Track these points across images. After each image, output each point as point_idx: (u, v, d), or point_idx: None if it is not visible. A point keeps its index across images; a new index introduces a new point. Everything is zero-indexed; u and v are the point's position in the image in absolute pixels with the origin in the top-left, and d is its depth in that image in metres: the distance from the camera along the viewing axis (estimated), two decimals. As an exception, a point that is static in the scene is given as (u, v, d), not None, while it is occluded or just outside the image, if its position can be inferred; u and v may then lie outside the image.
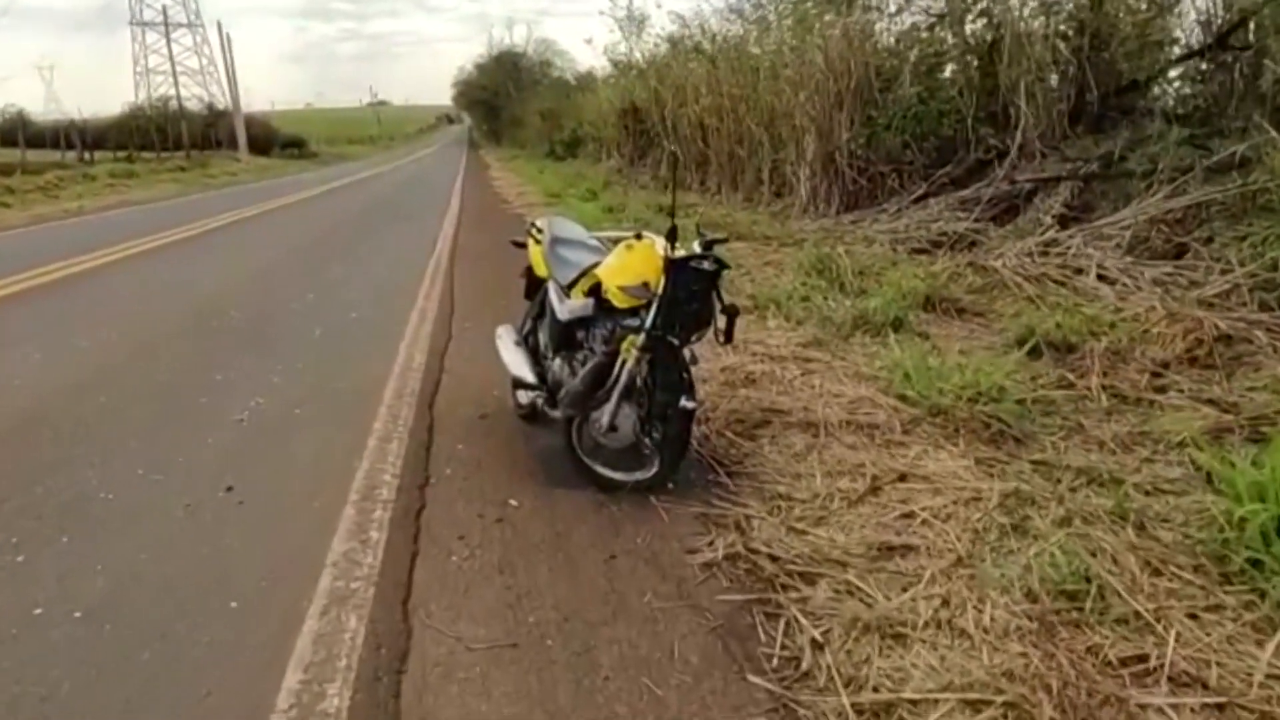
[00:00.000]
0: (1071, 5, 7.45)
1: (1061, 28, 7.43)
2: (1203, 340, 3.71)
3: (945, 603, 1.99)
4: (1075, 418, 3.16)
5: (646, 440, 2.66)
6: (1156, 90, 7.46)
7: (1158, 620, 1.88)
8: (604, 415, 2.66)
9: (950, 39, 8.60)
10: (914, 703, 1.68)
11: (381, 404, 3.62)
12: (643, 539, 2.43)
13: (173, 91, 50.10)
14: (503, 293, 5.33)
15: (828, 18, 9.10)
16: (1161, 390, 3.41)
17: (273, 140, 46.35)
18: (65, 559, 2.34)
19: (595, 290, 2.75)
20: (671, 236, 2.46)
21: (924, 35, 8.79)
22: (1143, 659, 1.76)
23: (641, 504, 2.62)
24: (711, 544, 2.37)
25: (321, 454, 3.10)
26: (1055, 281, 4.95)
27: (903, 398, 3.34)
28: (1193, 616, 1.91)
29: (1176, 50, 7.33)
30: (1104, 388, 3.42)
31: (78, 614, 2.06)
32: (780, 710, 1.70)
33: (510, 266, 4.10)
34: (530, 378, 3.03)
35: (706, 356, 3.69)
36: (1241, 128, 5.62)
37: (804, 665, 1.83)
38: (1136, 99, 7.28)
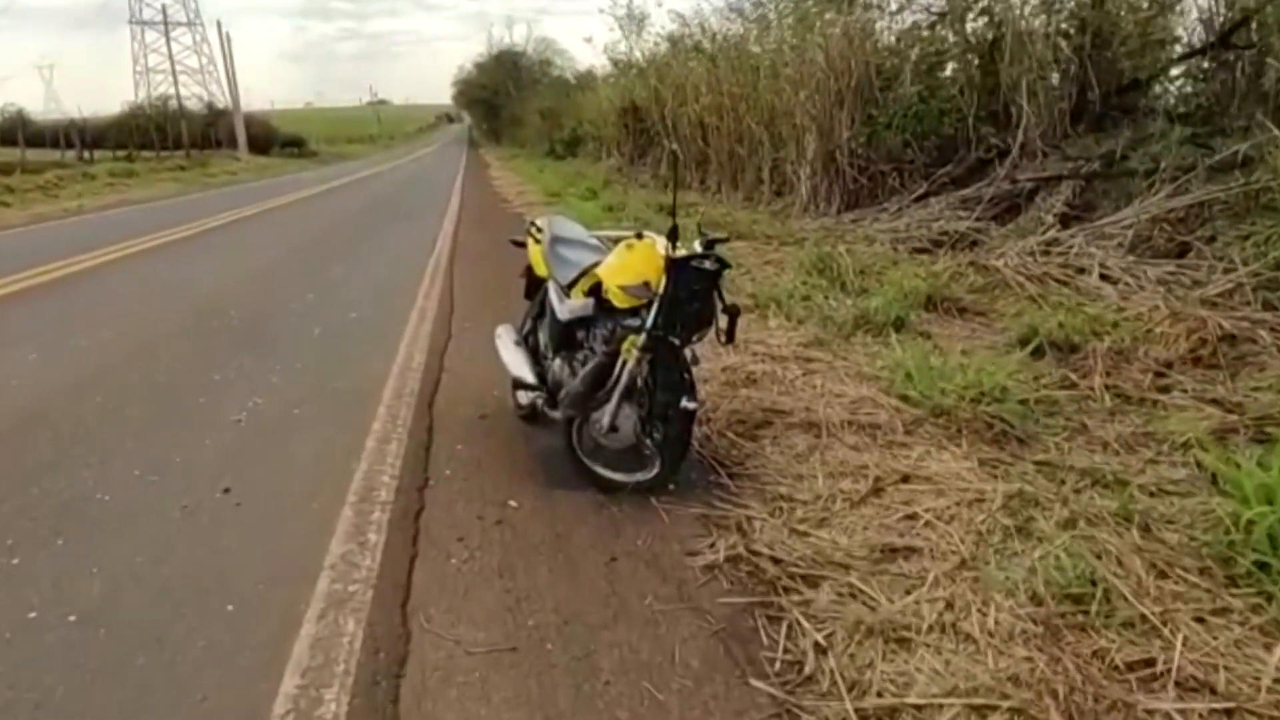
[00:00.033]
0: (1073, 3, 7.42)
1: (1063, 26, 7.40)
2: (1206, 340, 3.69)
3: (949, 606, 1.97)
4: (1079, 418, 3.14)
5: (647, 441, 2.64)
6: (1158, 89, 7.44)
7: (1164, 624, 1.86)
8: (604, 416, 2.64)
9: (951, 37, 8.57)
10: (919, 708, 1.66)
11: (380, 404, 3.60)
12: (643, 541, 2.41)
13: (172, 91, 50.23)
14: (502, 292, 5.31)
15: (828, 16, 9.06)
16: (1165, 390, 3.39)
17: (272, 139, 46.32)
18: (60, 561, 2.32)
19: (595, 290, 2.73)
20: (673, 236, 2.44)
21: (925, 34, 8.76)
22: (1150, 663, 1.74)
23: (642, 505, 2.60)
24: (713, 546, 2.35)
25: (320, 455, 3.08)
26: (1057, 281, 4.93)
27: (905, 398, 3.31)
28: (1199, 620, 1.89)
29: (1178, 49, 7.31)
30: (1107, 388, 3.40)
31: (72, 617, 2.03)
32: (783, 716, 1.68)
33: (510, 266, 4.08)
34: (530, 378, 3.00)
35: (707, 356, 3.67)
36: (1244, 126, 5.59)
37: (807, 669, 1.81)
38: (1138, 98, 7.25)
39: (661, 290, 2.46)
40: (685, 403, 2.54)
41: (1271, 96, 5.64)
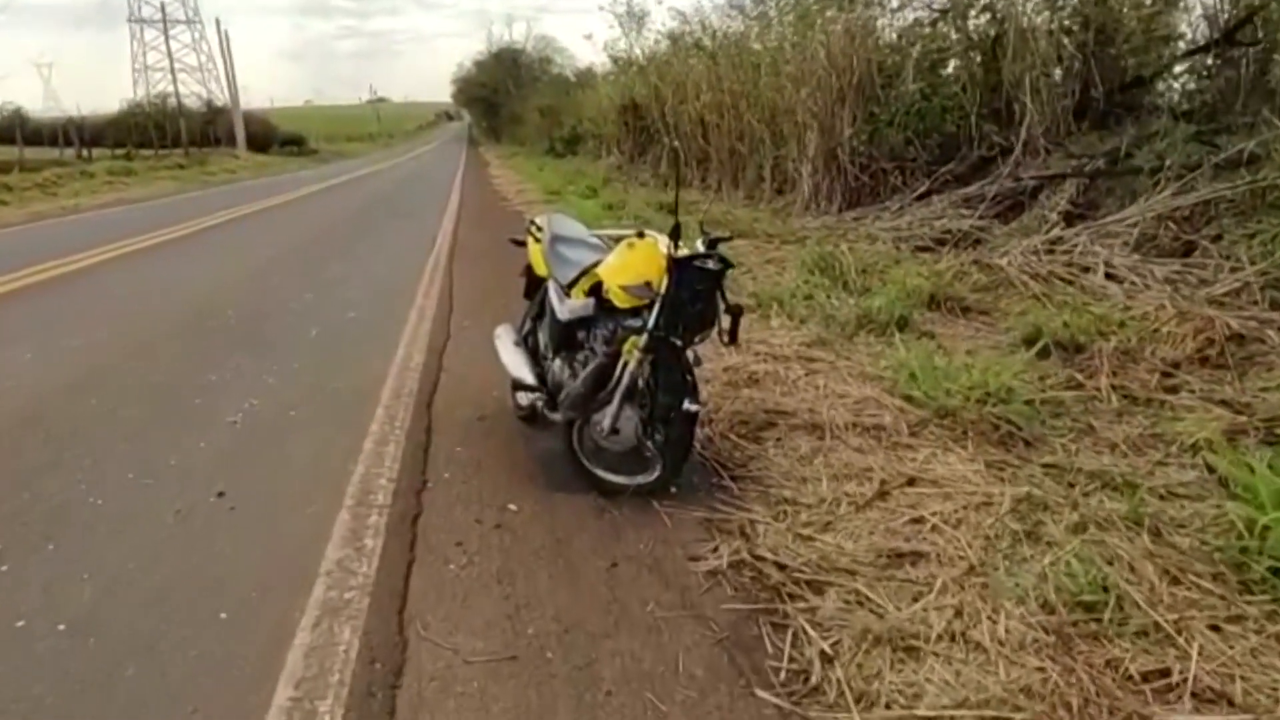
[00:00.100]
0: (1076, 0, 7.37)
1: (1066, 23, 7.36)
2: (1214, 340, 3.65)
3: (958, 613, 1.93)
4: (1085, 419, 3.09)
5: (649, 443, 2.60)
6: (1162, 86, 7.40)
7: (1179, 632, 1.82)
8: (605, 418, 2.59)
9: (953, 34, 8.52)
10: (928, 720, 1.61)
11: (379, 405, 3.55)
12: (645, 545, 2.37)
13: (171, 89, 50.09)
14: (502, 291, 5.27)
15: (830, 13, 9.02)
16: (1172, 391, 3.35)
17: (271, 138, 46.21)
18: (51, 567, 2.27)
19: (596, 290, 2.68)
20: (675, 235, 2.40)
21: (927, 30, 8.71)
22: (1165, 673, 1.70)
23: (643, 509, 2.56)
24: (716, 551, 2.31)
25: (316, 457, 3.03)
26: (1062, 280, 4.88)
27: (909, 399, 3.27)
28: (1214, 628, 1.84)
29: (1182, 45, 7.27)
30: (1114, 388, 3.36)
31: (62, 626, 1.99)
32: (789, 727, 1.64)
33: (509, 265, 4.03)
34: (530, 379, 2.96)
35: (709, 356, 3.62)
36: (1249, 124, 5.56)
37: (813, 679, 1.77)
38: (1142, 95, 7.21)
39: (663, 290, 2.42)
40: (687, 405, 2.50)
41: (1278, 94, 5.60)
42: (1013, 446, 2.87)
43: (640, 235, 2.60)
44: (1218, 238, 4.76)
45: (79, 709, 1.72)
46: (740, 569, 2.22)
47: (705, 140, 12.32)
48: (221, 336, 4.89)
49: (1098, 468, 2.66)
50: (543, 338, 3.15)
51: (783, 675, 1.79)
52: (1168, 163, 5.47)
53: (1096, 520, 2.30)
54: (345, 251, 8.51)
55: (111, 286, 6.71)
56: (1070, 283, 4.83)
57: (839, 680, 1.74)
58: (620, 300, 2.55)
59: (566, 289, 2.82)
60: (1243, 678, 1.68)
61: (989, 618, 1.89)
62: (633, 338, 2.49)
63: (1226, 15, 6.56)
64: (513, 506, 2.61)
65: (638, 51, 16.71)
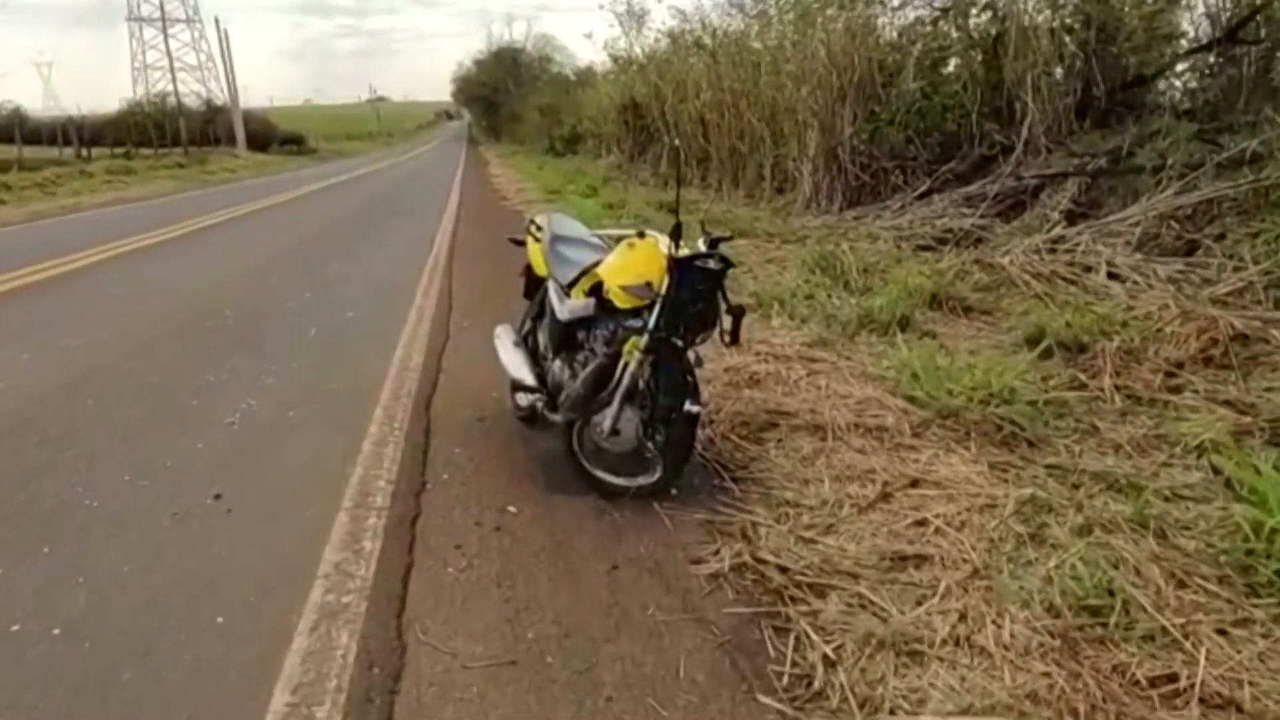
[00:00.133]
0: (1077, -2, 7.35)
1: (1067, 21, 7.33)
2: (1218, 339, 3.63)
3: (963, 617, 1.91)
4: (1089, 419, 3.07)
5: (649, 444, 2.57)
6: (1164, 85, 7.37)
7: (1186, 637, 1.80)
8: (606, 419, 2.57)
9: (954, 33, 8.50)
10: (933, 727, 1.59)
11: (377, 406, 3.53)
12: (646, 548, 2.35)
13: (171, 88, 49.96)
14: (501, 291, 5.25)
15: (830, 11, 8.99)
16: (1176, 391, 3.33)
17: (271, 137, 46.17)
18: (45, 571, 2.25)
19: (596, 290, 2.66)
20: (676, 234, 2.38)
21: (927, 29, 8.68)
22: (1172, 679, 1.68)
23: (644, 511, 2.54)
24: (717, 553, 2.29)
25: (314, 459, 3.01)
26: (1064, 279, 4.86)
27: (911, 399, 3.25)
28: (1221, 632, 1.82)
29: (1184, 44, 7.24)
30: (1117, 389, 3.34)
31: (56, 630, 1.97)
32: (792, 734, 1.62)
33: (509, 264, 4.01)
34: (529, 380, 2.94)
35: (710, 356, 3.60)
36: (1252, 122, 5.53)
37: (816, 684, 1.74)
38: (1144, 94, 7.19)
39: (664, 290, 2.40)
40: (688, 406, 2.48)
41: (1280, 92, 5.58)
42: (1016, 447, 2.85)
43: (641, 235, 2.57)
44: (1221, 237, 4.74)
45: (73, 716, 1.70)
46: (742, 572, 2.20)
47: (705, 139, 12.29)
48: (220, 336, 4.86)
49: (1102, 469, 2.63)
50: (542, 338, 3.12)
51: (785, 680, 1.77)
52: (1170, 161, 5.45)
53: (1101, 522, 2.28)
54: (344, 251, 8.49)
55: (110, 286, 6.68)
56: (1072, 282, 4.81)
57: (842, 685, 1.72)
58: (621, 300, 2.52)
59: (566, 289, 2.79)
60: (1251, 683, 1.66)
61: (994, 622, 1.87)
62: (633, 338, 2.47)
63: (1229, 13, 6.54)
64: (512, 508, 2.59)
65: (638, 50, 16.71)
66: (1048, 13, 7.40)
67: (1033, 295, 4.74)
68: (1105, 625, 1.84)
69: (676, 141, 10.84)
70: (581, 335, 2.82)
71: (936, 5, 8.59)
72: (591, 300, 2.69)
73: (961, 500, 2.47)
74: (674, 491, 2.62)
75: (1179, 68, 7.27)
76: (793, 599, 2.05)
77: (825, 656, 1.82)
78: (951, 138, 7.84)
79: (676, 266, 2.38)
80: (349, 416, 3.40)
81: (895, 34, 9.04)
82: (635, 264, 2.49)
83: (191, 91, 50.58)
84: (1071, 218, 5.84)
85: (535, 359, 3.09)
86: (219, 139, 40.40)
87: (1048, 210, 6.08)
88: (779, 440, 3.00)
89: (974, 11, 8.17)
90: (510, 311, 3.69)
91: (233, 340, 4.74)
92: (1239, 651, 1.75)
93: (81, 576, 2.21)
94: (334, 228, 10.92)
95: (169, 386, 3.88)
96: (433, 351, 4.39)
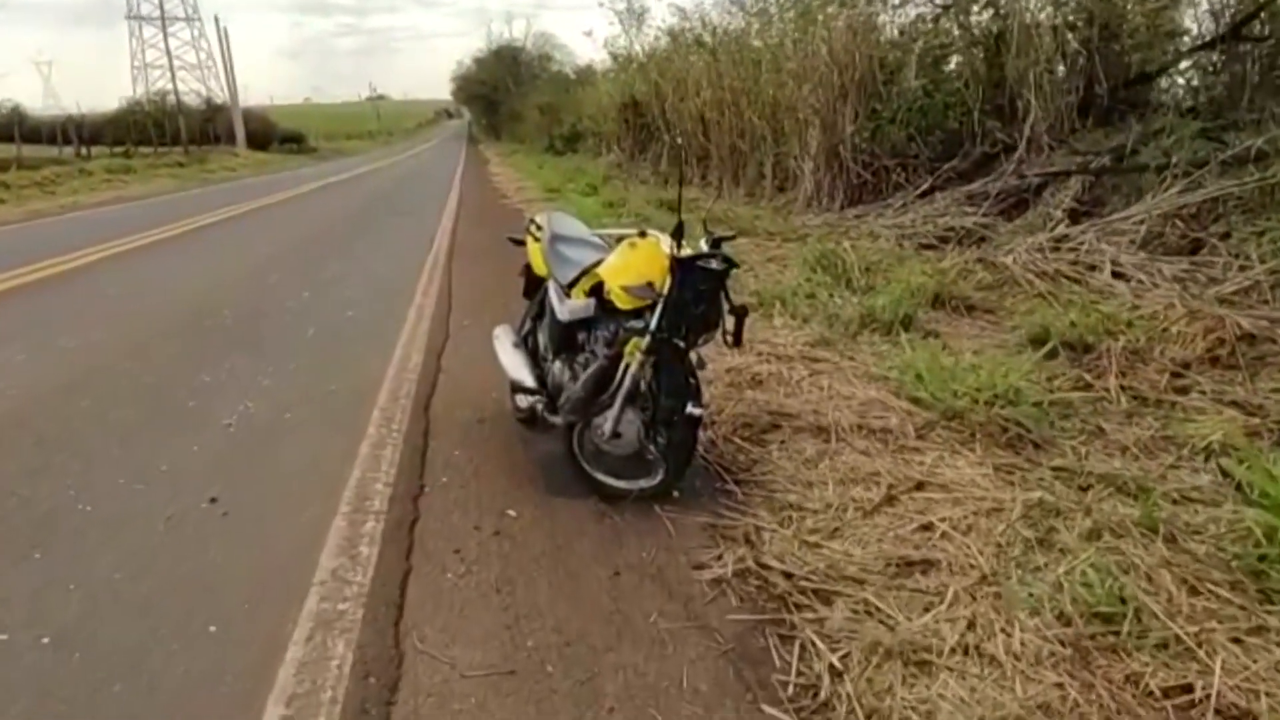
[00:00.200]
0: (1080, -5, 7.30)
1: (1070, 18, 7.28)
2: (1224, 339, 3.59)
3: (971, 625, 1.87)
4: (1095, 420, 3.04)
5: (651, 447, 2.54)
6: (1167, 82, 7.33)
7: (1199, 645, 1.76)
8: (607, 421, 2.53)
9: (956, 30, 8.45)
10: (943, 739, 1.56)
11: (376, 407, 3.49)
12: (647, 553, 2.31)
13: (170, 86, 49.85)
14: (501, 290, 5.21)
15: (831, 9, 8.95)
16: (1183, 392, 3.29)
17: (271, 135, 46.10)
18: (37, 577, 2.21)
19: (597, 290, 2.62)
20: (678, 234, 2.34)
21: (929, 26, 8.63)
22: (1187, 689, 1.64)
23: (646, 514, 2.50)
24: (720, 558, 2.25)
25: (312, 461, 2.97)
26: (1068, 278, 4.82)
27: (915, 400, 3.21)
28: (1236, 641, 1.79)
29: (1188, 41, 7.19)
30: (1123, 389, 3.30)
31: (46, 640, 1.93)
32: (798, 746, 1.58)
33: (509, 263, 3.97)
34: (529, 381, 2.90)
35: (711, 356, 3.56)
36: (1257, 120, 5.49)
37: (822, 694, 1.71)
38: (1147, 91, 7.14)
39: (666, 291, 2.36)
40: (691, 408, 2.44)
41: (1285, 89, 5.54)
42: (1022, 449, 2.81)
43: (642, 234, 2.53)
44: (1226, 235, 4.70)
45: (63, 727, 1.67)
46: (745, 577, 2.16)
47: (706, 137, 12.24)
48: (218, 336, 4.82)
49: (1109, 471, 2.60)
50: (542, 339, 3.09)
51: (791, 690, 1.74)
52: (1174, 160, 5.41)
53: (1110, 526, 2.24)
54: (344, 250, 8.45)
55: (108, 285, 6.64)
56: (1076, 281, 4.77)
57: (849, 696, 1.68)
58: (622, 301, 2.48)
59: (567, 289, 2.75)
60: (1268, 694, 1.62)
61: (1003, 630, 1.84)
62: (634, 339, 2.43)
63: (1233, 10, 6.49)
64: (512, 512, 2.55)
65: (638, 48, 16.64)
66: (1050, 10, 7.35)
67: (1036, 294, 4.70)
68: (1117, 633, 1.80)
69: (679, 139, 10.78)
70: (582, 336, 2.78)
71: (938, 2, 8.54)
72: (592, 301, 2.65)
73: (968, 503, 2.43)
74: (676, 495, 2.58)
75: (1182, 65, 7.22)
76: (797, 605, 2.02)
77: (831, 666, 1.78)
78: (953, 135, 7.80)
79: (679, 266, 2.34)
80: (347, 418, 3.37)
81: (897, 31, 9.00)
82: (637, 264, 2.45)
83: (191, 90, 50.54)
84: (1075, 216, 5.80)
85: (535, 360, 3.05)
86: (219, 138, 40.34)
87: (1051, 209, 6.03)
88: (782, 442, 2.97)
89: (976, 9, 8.13)
90: (510, 311, 3.65)
91: (231, 340, 4.70)
92: (1255, 661, 1.72)
93: (73, 583, 2.17)
94: (333, 226, 10.88)
95: (166, 387, 3.85)
96: (432, 351, 4.35)
